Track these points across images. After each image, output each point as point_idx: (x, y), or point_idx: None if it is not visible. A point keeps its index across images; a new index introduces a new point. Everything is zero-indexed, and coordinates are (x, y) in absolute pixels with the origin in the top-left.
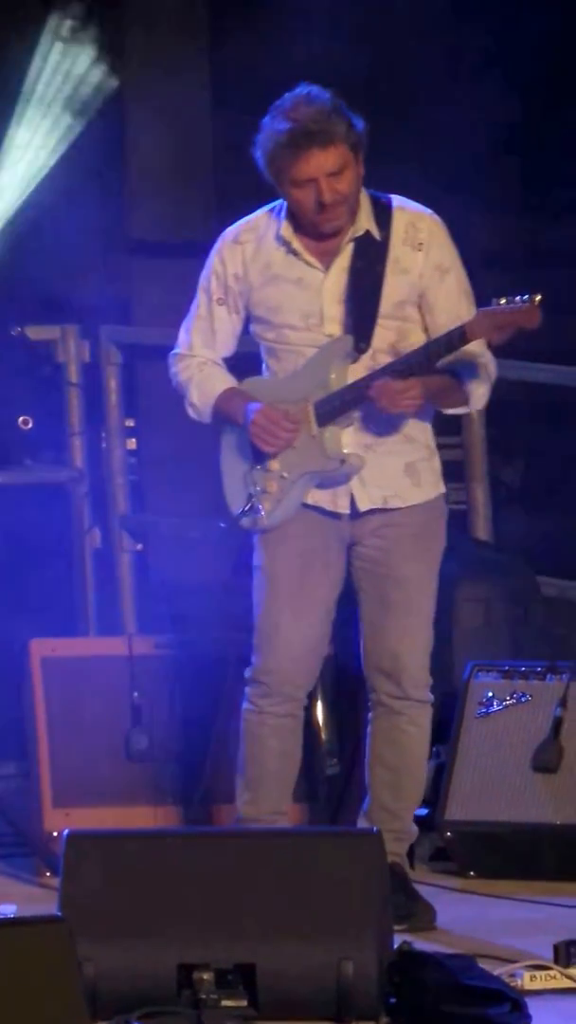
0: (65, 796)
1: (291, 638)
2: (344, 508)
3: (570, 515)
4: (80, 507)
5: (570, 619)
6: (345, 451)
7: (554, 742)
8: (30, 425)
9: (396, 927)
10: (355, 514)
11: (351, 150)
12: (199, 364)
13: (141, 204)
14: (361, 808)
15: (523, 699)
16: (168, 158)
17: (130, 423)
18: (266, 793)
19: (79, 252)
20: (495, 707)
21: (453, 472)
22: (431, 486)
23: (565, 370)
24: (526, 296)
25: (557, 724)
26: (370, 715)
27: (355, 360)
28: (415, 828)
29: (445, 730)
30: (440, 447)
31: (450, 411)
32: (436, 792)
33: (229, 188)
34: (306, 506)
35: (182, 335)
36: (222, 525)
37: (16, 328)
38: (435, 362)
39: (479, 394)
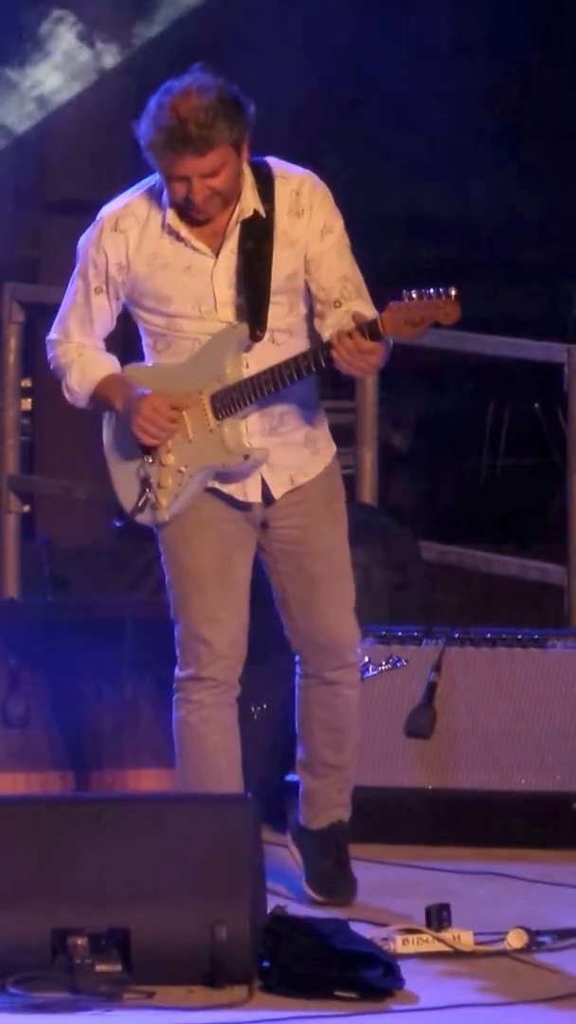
0: None
1: (225, 628)
2: (255, 497)
3: (454, 480)
4: None
5: (449, 583)
6: (248, 445)
7: (427, 707)
8: None
9: (315, 895)
10: (268, 501)
11: (232, 147)
12: (78, 348)
13: (56, 162)
14: (296, 758)
15: (398, 664)
16: (84, 116)
17: (26, 383)
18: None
19: None
20: (370, 672)
21: (343, 436)
22: (327, 449)
23: (455, 335)
24: (441, 289)
25: (431, 689)
26: (299, 681)
27: (249, 348)
28: (354, 773)
29: None
30: (333, 411)
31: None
32: None
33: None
34: (216, 494)
35: (57, 321)
36: (116, 524)
37: None
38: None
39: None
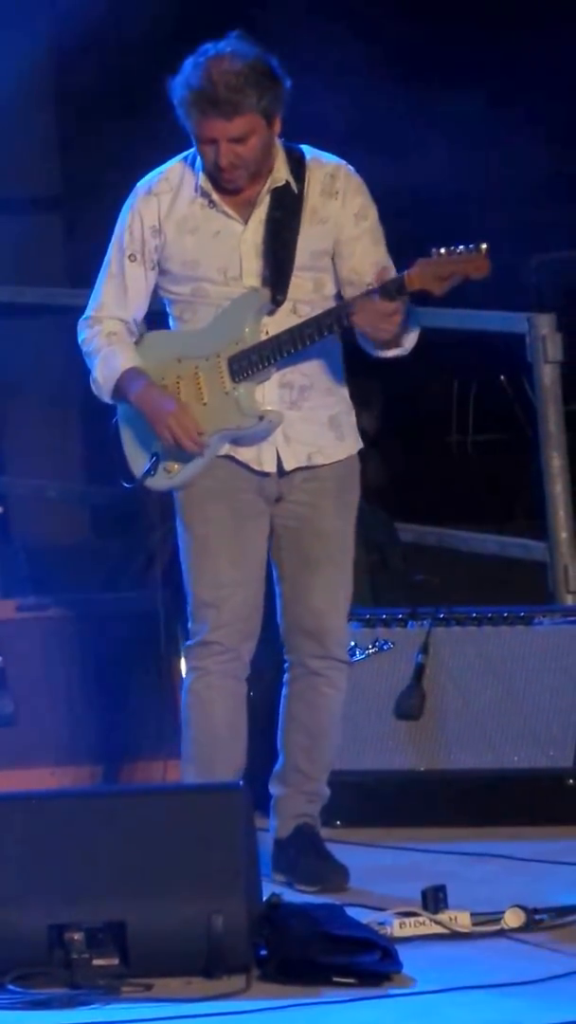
0: None
1: (235, 595)
2: (271, 467)
3: (425, 460)
4: None
5: (428, 564)
6: (263, 408)
7: (416, 689)
8: None
9: (308, 888)
10: (281, 473)
11: (262, 116)
12: (107, 334)
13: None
14: (273, 769)
15: (385, 647)
16: (9, 109)
17: None
18: (220, 767)
19: None
20: (357, 656)
21: None
22: (352, 440)
23: (430, 311)
24: (471, 245)
25: (419, 671)
26: (286, 677)
27: (271, 313)
28: (327, 790)
29: None
30: None
31: (392, 353)
32: None
33: (74, 140)
34: (232, 460)
35: (93, 297)
36: (126, 485)
37: None
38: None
39: (411, 337)
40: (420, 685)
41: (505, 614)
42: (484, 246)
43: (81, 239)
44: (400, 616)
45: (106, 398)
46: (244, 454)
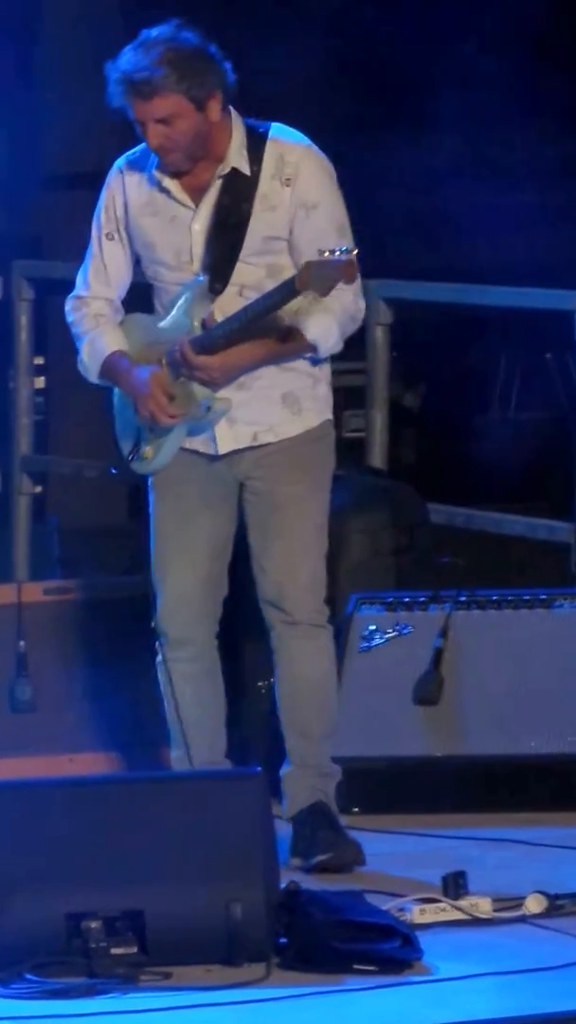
0: None
1: (179, 582)
2: (212, 450)
3: (464, 440)
4: None
5: (456, 545)
6: (209, 397)
7: (434, 674)
8: None
9: (322, 857)
10: (217, 456)
11: (187, 99)
12: (93, 316)
13: (53, 134)
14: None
15: (405, 631)
16: (81, 86)
17: (39, 361)
18: (195, 746)
19: None
20: (377, 640)
21: (354, 398)
22: (314, 413)
23: (458, 288)
24: (344, 248)
25: (437, 655)
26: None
27: (212, 301)
28: (333, 764)
29: None
30: (343, 372)
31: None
32: None
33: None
34: (184, 450)
35: (80, 274)
36: (113, 471)
37: None
38: (263, 319)
39: (329, 341)
40: (438, 670)
41: (526, 597)
42: (355, 251)
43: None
44: (421, 600)
45: (93, 379)
46: (193, 441)
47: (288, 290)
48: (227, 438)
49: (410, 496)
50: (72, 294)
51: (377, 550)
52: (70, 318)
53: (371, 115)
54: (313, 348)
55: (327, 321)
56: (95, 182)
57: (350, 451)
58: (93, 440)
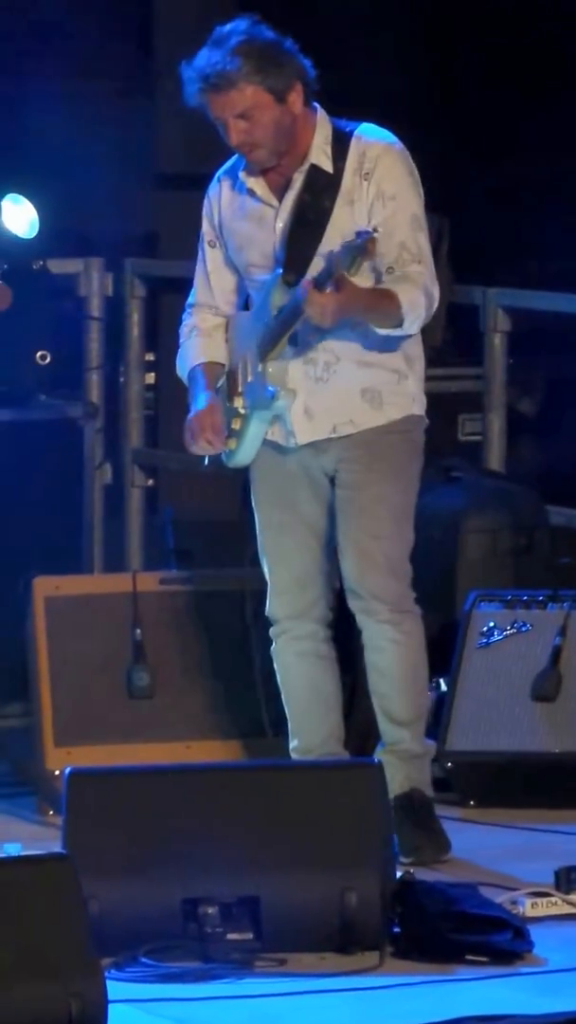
0: (67, 735)
1: (282, 572)
2: (291, 443)
3: None
4: (92, 442)
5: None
6: (279, 386)
7: (553, 671)
8: (48, 360)
9: (404, 860)
10: (303, 445)
11: (267, 91)
12: (190, 328)
13: (168, 134)
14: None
15: (523, 628)
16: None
17: (150, 357)
18: (308, 734)
19: (105, 184)
20: (496, 637)
21: (472, 403)
22: (396, 408)
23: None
24: (368, 230)
25: (556, 653)
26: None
27: (290, 295)
28: (423, 748)
29: (447, 661)
30: (460, 378)
31: (385, 331)
32: (437, 722)
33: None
34: (269, 442)
35: (194, 283)
36: (205, 462)
37: (38, 262)
38: (341, 268)
39: (411, 318)
40: (557, 667)
41: None
42: (376, 231)
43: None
44: (540, 598)
45: (187, 384)
46: (273, 432)
47: (326, 273)
48: (305, 430)
49: (529, 498)
50: (187, 301)
51: (495, 550)
52: (180, 324)
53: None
54: (400, 318)
55: (415, 293)
56: (207, 182)
57: (467, 453)
58: None
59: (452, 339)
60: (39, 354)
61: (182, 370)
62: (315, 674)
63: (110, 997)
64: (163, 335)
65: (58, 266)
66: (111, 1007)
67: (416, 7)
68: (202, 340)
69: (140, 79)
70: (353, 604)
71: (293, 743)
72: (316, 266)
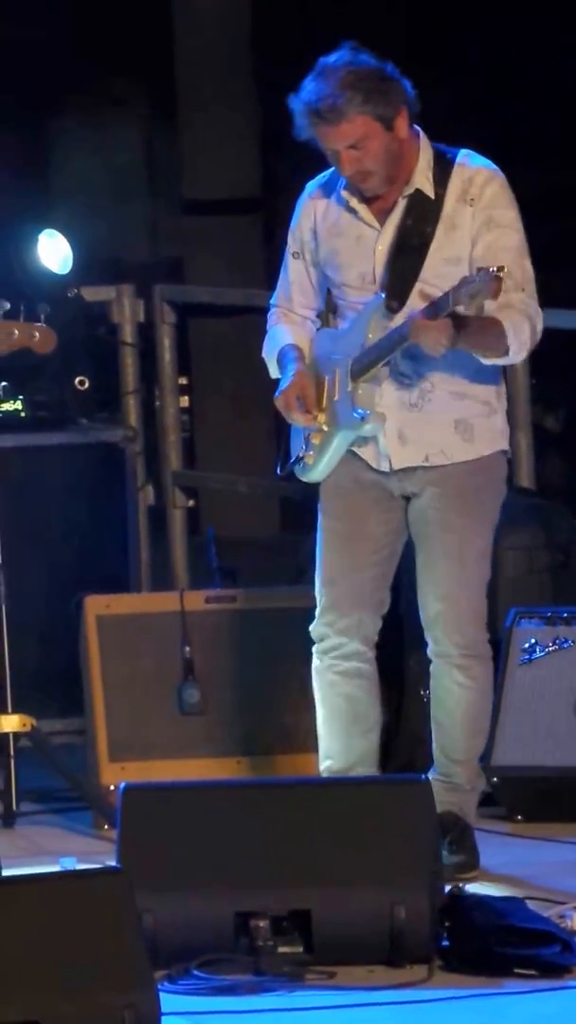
0: (120, 750)
1: (342, 591)
2: (384, 465)
3: None
4: (133, 465)
5: None
6: (369, 409)
7: None
8: (86, 385)
9: None
10: (391, 471)
11: (376, 120)
12: (279, 316)
13: (193, 162)
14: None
15: (565, 645)
16: (220, 119)
17: (183, 381)
18: (341, 755)
19: (133, 212)
20: (538, 653)
21: None
22: (486, 443)
23: None
24: (495, 269)
25: None
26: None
27: (390, 319)
28: (470, 784)
29: None
30: None
31: (490, 360)
32: None
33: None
34: (356, 457)
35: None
36: (278, 472)
37: (72, 290)
38: (459, 304)
39: (516, 346)
40: None
41: None
42: (504, 270)
43: (280, 240)
44: None
45: (272, 372)
46: (364, 451)
47: (443, 304)
48: (399, 455)
49: (562, 514)
50: (270, 301)
51: (531, 567)
52: (267, 313)
53: None
54: (506, 348)
55: (521, 322)
56: (233, 208)
57: None
58: (237, 455)
59: None
60: (77, 380)
61: (270, 352)
62: (357, 695)
63: (163, 1009)
64: (195, 359)
65: (91, 294)
66: (164, 1019)
67: None
68: (291, 327)
69: (165, 111)
70: (429, 639)
71: (324, 764)
72: (417, 291)
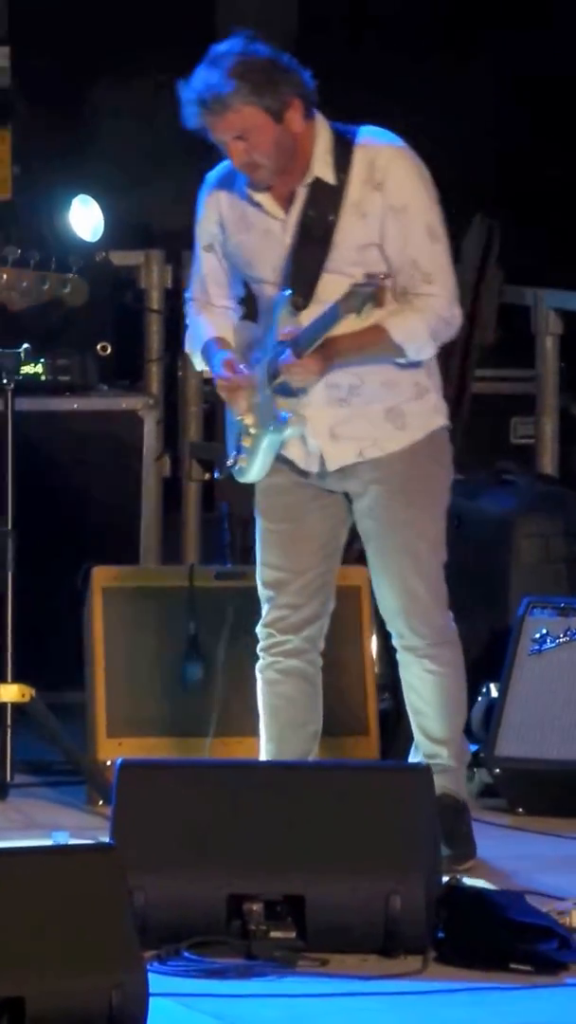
0: (119, 725)
1: (286, 592)
2: (313, 466)
3: None
4: (152, 434)
5: None
6: (291, 411)
7: None
8: (108, 351)
9: None
10: (324, 472)
11: (264, 111)
12: (198, 308)
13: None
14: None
15: None
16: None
17: None
18: (275, 757)
19: (166, 179)
20: (548, 644)
21: (524, 406)
22: (419, 427)
23: None
24: (381, 275)
25: None
26: None
27: (296, 316)
28: (457, 763)
29: (497, 666)
30: (512, 380)
31: (401, 359)
32: (486, 729)
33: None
34: (285, 460)
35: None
36: (216, 475)
37: (100, 253)
38: (351, 313)
39: (414, 346)
40: None
41: None
42: (387, 279)
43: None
44: None
45: (197, 364)
46: (294, 452)
47: (334, 314)
48: (333, 455)
49: None
50: (185, 295)
51: (548, 556)
52: (186, 316)
53: None
54: (400, 350)
55: (415, 322)
56: None
57: (519, 457)
58: None
59: (502, 340)
60: (100, 345)
61: (193, 346)
62: (296, 697)
63: (151, 990)
64: None
65: (119, 258)
66: (152, 1000)
67: None
68: (212, 319)
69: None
70: (396, 639)
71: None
72: (327, 284)
